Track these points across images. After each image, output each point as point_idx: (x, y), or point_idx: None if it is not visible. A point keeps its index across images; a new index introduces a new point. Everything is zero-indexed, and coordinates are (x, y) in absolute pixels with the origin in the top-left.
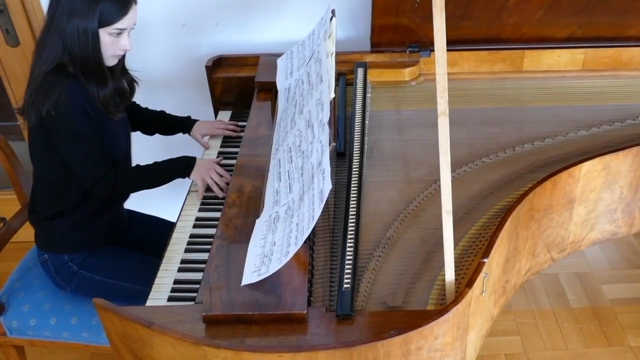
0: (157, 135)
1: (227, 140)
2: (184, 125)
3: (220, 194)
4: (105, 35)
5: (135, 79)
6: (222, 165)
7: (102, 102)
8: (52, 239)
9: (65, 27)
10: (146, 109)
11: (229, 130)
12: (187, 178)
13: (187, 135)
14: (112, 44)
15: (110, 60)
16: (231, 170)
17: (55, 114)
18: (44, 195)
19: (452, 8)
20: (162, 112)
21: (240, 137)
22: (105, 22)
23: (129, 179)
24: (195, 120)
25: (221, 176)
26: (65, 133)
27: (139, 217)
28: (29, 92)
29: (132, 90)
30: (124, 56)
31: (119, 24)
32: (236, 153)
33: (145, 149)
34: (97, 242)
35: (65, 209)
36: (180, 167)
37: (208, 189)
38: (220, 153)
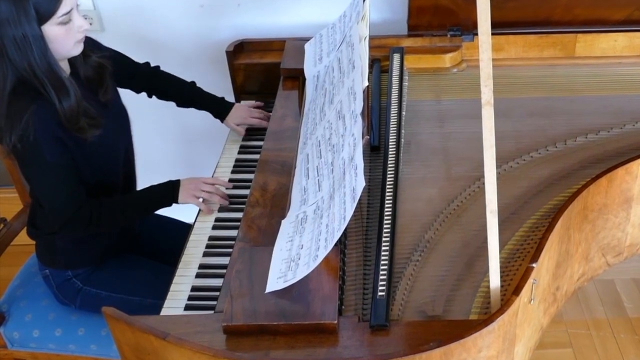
0: (173, 129)
1: (249, 133)
2: (216, 105)
3: (224, 203)
4: (54, 29)
5: (102, 61)
6: (241, 161)
7: (68, 118)
8: (53, 254)
9: (2, 42)
10: (172, 75)
11: (263, 122)
12: (176, 204)
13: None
14: (67, 33)
15: (75, 49)
16: (252, 168)
17: (21, 148)
18: (42, 211)
19: None
20: (193, 83)
21: (264, 130)
22: (45, 16)
23: (107, 214)
24: (231, 105)
25: (213, 185)
26: (34, 166)
27: (151, 219)
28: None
29: (103, 78)
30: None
31: (62, 9)
32: (259, 147)
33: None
34: (103, 256)
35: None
36: (165, 193)
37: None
38: (230, 181)
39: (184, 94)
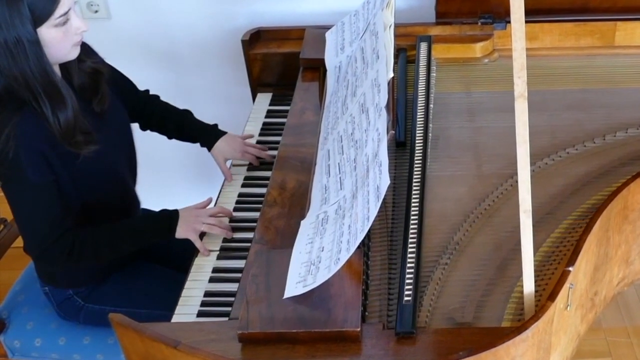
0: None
1: (266, 128)
2: (204, 135)
3: (228, 235)
4: (50, 31)
5: (97, 66)
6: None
7: (64, 132)
8: (52, 273)
9: None
10: (166, 104)
11: (262, 157)
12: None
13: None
14: (64, 35)
15: (72, 53)
16: (270, 165)
17: (1, 167)
18: None
19: None
20: (187, 112)
21: (282, 125)
22: (41, 17)
23: (91, 246)
24: (222, 133)
25: (216, 215)
26: (12, 184)
27: None
28: None
29: (97, 86)
30: None
31: (59, 9)
32: (277, 143)
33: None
34: (106, 272)
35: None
36: (160, 227)
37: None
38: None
39: (178, 121)
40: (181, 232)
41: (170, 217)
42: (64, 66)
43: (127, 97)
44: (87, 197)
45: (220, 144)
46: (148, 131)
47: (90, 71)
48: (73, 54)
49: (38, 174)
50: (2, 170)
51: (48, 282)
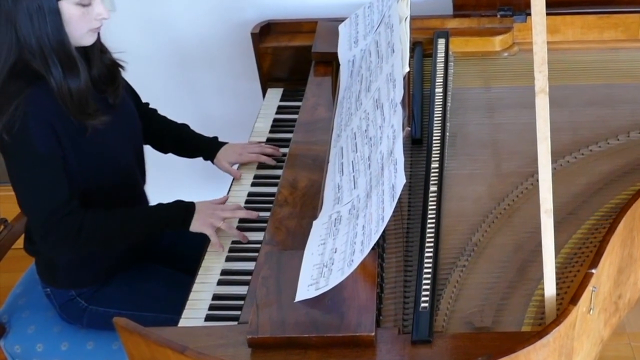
0: (192, 123)
1: (277, 125)
2: (205, 148)
3: (243, 239)
4: (70, 8)
5: (118, 61)
6: (267, 156)
7: (77, 100)
8: (53, 273)
9: (13, 10)
10: (164, 118)
11: (266, 154)
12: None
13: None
14: (82, 16)
15: (86, 38)
16: (280, 163)
17: (8, 139)
18: None
19: None
20: (184, 126)
21: (293, 122)
22: None
23: (100, 226)
24: (222, 144)
25: (234, 212)
26: (20, 159)
27: None
28: None
29: (114, 78)
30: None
31: None
32: (288, 140)
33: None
34: (111, 272)
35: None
36: (175, 217)
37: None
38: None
39: (177, 136)
40: (197, 226)
41: (186, 209)
42: (86, 55)
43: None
44: (91, 184)
45: (221, 152)
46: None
47: (110, 63)
48: (88, 39)
49: (46, 146)
50: (8, 141)
51: (49, 283)
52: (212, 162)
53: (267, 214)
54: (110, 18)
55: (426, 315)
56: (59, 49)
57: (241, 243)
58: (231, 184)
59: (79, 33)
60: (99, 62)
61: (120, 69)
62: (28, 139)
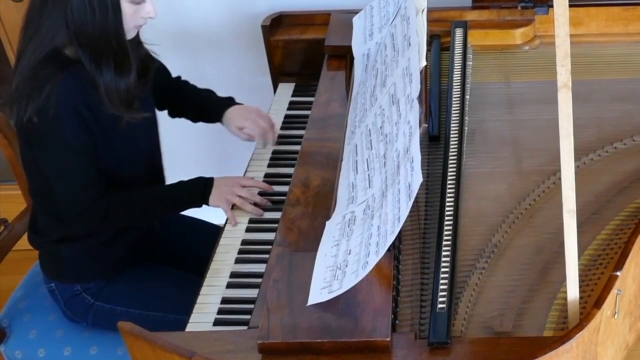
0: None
1: (288, 121)
2: (215, 106)
3: (258, 213)
4: (125, 4)
5: (153, 53)
6: (278, 152)
7: (124, 95)
8: (59, 266)
9: (71, 3)
10: (193, 87)
11: (269, 138)
12: (206, 205)
13: None
14: (134, 13)
15: (130, 34)
16: (292, 161)
17: (39, 122)
18: (45, 215)
19: None
20: (207, 91)
21: (305, 118)
22: None
23: (124, 209)
24: (235, 104)
25: (251, 188)
26: (50, 146)
27: (175, 220)
28: (15, 84)
29: (147, 71)
30: None
31: None
32: (300, 137)
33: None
34: (118, 267)
35: (73, 232)
36: (195, 191)
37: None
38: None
39: (198, 102)
40: (213, 201)
41: (205, 184)
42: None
43: (160, 81)
44: (115, 169)
45: (230, 112)
46: (168, 128)
47: (145, 56)
48: (131, 34)
49: (77, 135)
50: (40, 129)
51: (54, 278)
52: (222, 123)
53: (279, 214)
54: (155, 18)
55: (444, 317)
56: (118, 42)
57: (251, 244)
58: (247, 167)
59: (125, 28)
60: (135, 56)
61: (154, 63)
62: (58, 126)
